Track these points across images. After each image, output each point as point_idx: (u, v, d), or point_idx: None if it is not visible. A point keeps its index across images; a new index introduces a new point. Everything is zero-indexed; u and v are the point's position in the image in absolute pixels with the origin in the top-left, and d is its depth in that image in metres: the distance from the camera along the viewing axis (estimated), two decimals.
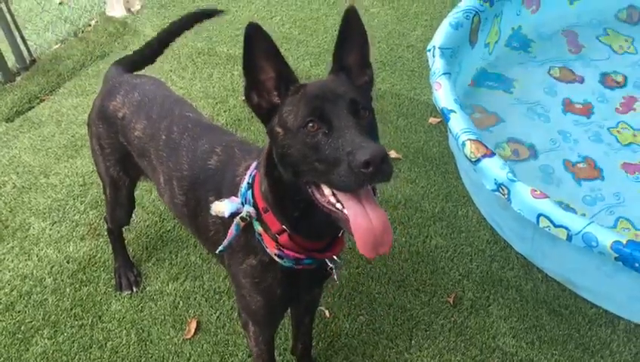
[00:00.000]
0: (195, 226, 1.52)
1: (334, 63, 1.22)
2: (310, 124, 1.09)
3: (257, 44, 1.12)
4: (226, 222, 1.30)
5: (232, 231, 1.28)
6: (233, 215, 1.26)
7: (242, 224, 1.27)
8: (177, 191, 1.52)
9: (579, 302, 2.02)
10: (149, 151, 1.61)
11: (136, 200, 2.03)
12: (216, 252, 1.33)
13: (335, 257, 1.31)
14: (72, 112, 2.87)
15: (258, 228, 1.28)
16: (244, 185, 1.29)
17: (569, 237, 1.74)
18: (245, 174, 1.31)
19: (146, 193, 2.42)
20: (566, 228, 1.74)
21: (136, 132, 1.64)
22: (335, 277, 1.36)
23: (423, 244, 2.24)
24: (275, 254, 1.28)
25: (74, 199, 2.44)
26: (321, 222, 1.21)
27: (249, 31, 1.11)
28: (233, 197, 1.29)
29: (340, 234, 1.32)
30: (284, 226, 1.24)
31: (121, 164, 1.78)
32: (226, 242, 1.29)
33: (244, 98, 1.16)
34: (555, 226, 1.77)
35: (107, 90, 1.79)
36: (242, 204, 1.27)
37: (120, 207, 1.94)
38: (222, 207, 1.27)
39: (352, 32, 1.21)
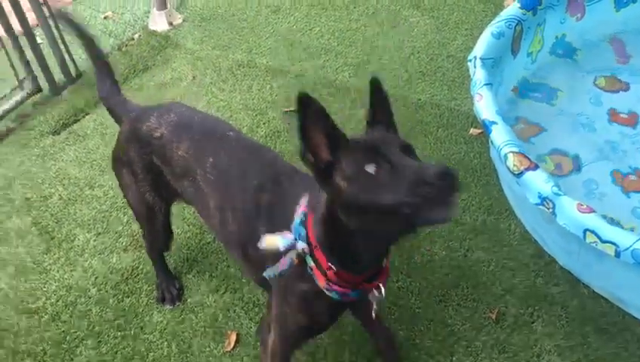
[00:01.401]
0: (242, 252, 1.58)
1: (369, 121, 1.35)
2: (373, 166, 1.17)
3: (309, 114, 1.22)
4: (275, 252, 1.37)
5: (284, 263, 1.35)
6: (286, 249, 1.35)
7: (296, 261, 1.35)
8: (231, 221, 1.58)
9: (627, 319, 1.95)
10: (194, 171, 1.65)
11: (175, 214, 2.06)
12: (264, 275, 1.39)
13: (382, 286, 1.38)
14: (116, 125, 2.92)
15: (310, 263, 1.35)
16: (296, 220, 1.37)
17: (617, 254, 1.68)
18: (296, 210, 1.39)
19: (186, 205, 2.45)
20: (614, 244, 1.69)
21: (180, 151, 1.67)
22: (373, 312, 1.46)
23: (464, 258, 2.20)
24: (325, 288, 1.36)
25: (117, 210, 2.49)
26: (370, 258, 1.33)
27: (302, 102, 1.20)
28: (286, 232, 1.36)
29: (384, 264, 1.39)
30: (330, 264, 1.32)
31: (155, 187, 1.82)
32: (274, 272, 1.36)
33: (302, 159, 1.26)
34: (603, 242, 1.71)
35: (135, 116, 1.84)
36: (295, 239, 1.34)
37: (158, 235, 1.99)
38: (275, 242, 1.34)
39: (378, 100, 1.35)
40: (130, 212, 2.45)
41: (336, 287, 1.34)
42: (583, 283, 2.06)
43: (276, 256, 1.36)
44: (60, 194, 2.58)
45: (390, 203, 1.13)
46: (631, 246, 1.66)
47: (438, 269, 2.17)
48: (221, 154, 1.63)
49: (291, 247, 1.34)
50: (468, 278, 2.13)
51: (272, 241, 1.34)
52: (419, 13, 3.53)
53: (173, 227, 2.08)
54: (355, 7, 3.63)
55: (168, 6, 3.60)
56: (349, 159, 1.21)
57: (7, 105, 3.00)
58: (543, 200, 1.86)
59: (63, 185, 2.63)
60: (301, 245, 1.33)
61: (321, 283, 1.35)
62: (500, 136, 2.06)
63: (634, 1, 2.87)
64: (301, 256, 1.34)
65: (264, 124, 2.86)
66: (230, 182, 1.60)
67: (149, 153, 1.75)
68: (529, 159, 1.96)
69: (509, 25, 2.52)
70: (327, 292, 1.36)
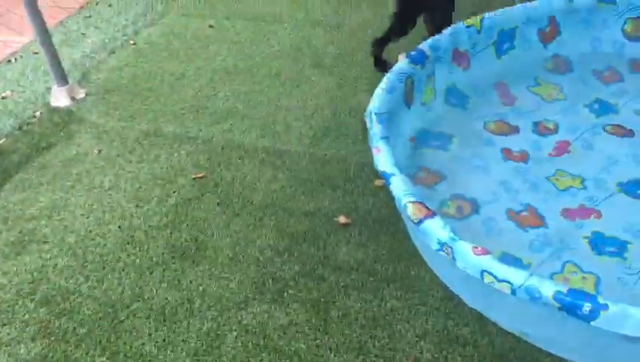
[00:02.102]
0: None
1: None
2: None
3: None
4: None
5: None
6: None
7: None
8: None
9: (534, 351, 2.04)
10: None
11: None
12: None
13: None
14: (19, 207, 2.84)
15: None
16: None
17: (513, 291, 1.78)
18: None
19: None
20: (509, 283, 1.78)
21: None
22: None
23: (378, 308, 2.25)
24: None
25: (23, 298, 2.39)
26: None
27: None
28: None
29: None
30: None
31: None
32: None
33: None
34: (499, 281, 1.80)
35: None
36: None
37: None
38: None
39: None
40: (38, 297, 2.38)
41: None
42: (492, 322, 2.14)
43: None
44: None
45: None
46: (524, 283, 1.76)
47: (355, 322, 2.20)
48: None
49: None
50: (384, 328, 2.17)
51: None
52: (320, 71, 3.66)
53: None
54: (257, 70, 3.73)
55: (70, 81, 3.57)
56: None
57: None
58: (442, 245, 1.94)
59: None
60: None
61: None
62: (398, 186, 2.15)
63: (513, 47, 3.10)
64: None
65: (174, 192, 2.85)
66: None
67: None
68: (427, 207, 2.05)
69: (400, 79, 2.66)
70: None
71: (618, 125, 2.70)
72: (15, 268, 2.51)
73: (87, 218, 2.75)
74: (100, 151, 3.16)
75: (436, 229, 1.97)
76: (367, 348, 2.11)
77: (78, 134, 3.31)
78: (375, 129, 2.42)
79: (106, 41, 4.17)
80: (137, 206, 2.79)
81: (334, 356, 2.09)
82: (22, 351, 2.18)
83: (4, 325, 2.29)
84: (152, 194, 2.85)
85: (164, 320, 2.25)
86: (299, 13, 4.24)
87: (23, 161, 3.13)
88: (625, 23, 3.00)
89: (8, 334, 2.25)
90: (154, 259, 2.51)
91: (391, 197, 2.70)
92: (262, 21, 4.22)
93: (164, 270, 2.46)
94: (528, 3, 3.02)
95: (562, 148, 2.69)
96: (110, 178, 2.98)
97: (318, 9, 4.27)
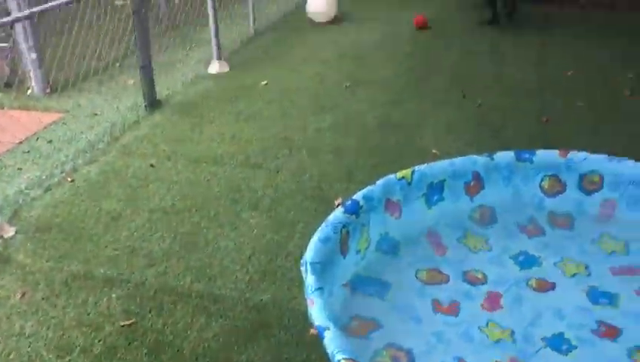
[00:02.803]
0: None
1: None
2: None
3: None
4: None
5: None
6: None
7: None
8: None
9: None
10: None
11: None
12: None
13: None
14: None
15: None
16: None
17: None
18: None
19: None
20: None
21: None
22: None
23: None
24: None
25: None
26: None
27: None
28: None
29: None
30: None
31: None
32: None
33: None
34: None
35: None
36: None
37: None
38: None
39: None
40: None
41: None
42: None
43: None
44: None
45: None
46: None
47: None
48: None
49: None
50: None
51: None
52: (257, 213, 3.72)
53: None
54: (196, 211, 3.75)
55: (0, 220, 3.48)
56: None
57: None
58: None
59: None
60: None
61: None
62: (332, 342, 2.13)
63: (442, 199, 3.27)
64: None
65: (99, 341, 2.72)
66: None
67: None
68: None
69: (335, 229, 2.73)
70: None
71: (542, 279, 2.82)
72: None
73: None
74: (23, 295, 3.02)
75: None
76: None
77: (2, 275, 3.17)
78: (309, 280, 2.43)
79: (43, 177, 4.13)
80: (58, 356, 2.64)
81: None
82: None
83: None
84: (75, 343, 2.71)
85: None
86: (239, 156, 4.37)
87: None
88: (542, 180, 3.23)
89: None
90: None
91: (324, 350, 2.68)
92: (203, 162, 4.31)
93: None
94: (455, 159, 3.23)
95: (493, 300, 2.77)
96: (32, 324, 2.83)
97: (258, 153, 4.42)
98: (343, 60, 6.22)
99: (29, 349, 2.69)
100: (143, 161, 4.35)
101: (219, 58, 6.05)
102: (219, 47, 6.03)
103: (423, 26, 7.04)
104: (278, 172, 4.17)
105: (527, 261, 2.93)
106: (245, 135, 4.69)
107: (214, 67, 6.05)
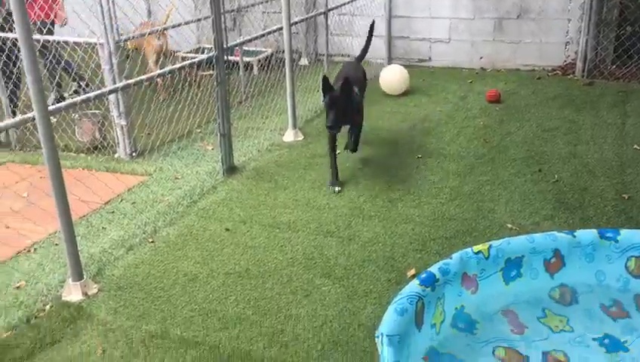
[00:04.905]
0: None
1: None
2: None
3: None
4: None
5: None
6: None
7: None
8: None
9: None
10: None
11: None
12: None
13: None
14: None
15: None
16: None
17: None
18: None
19: None
20: None
21: None
22: None
23: None
24: None
25: None
26: None
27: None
28: None
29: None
30: None
31: None
32: None
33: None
34: None
35: None
36: None
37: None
38: None
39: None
40: None
41: None
42: None
43: None
44: None
45: None
46: None
47: None
48: None
49: None
50: None
51: None
52: (330, 282, 3.74)
53: None
54: (270, 276, 3.81)
55: (85, 276, 3.64)
56: None
57: None
58: None
59: None
60: None
61: None
62: None
63: (520, 275, 3.20)
64: None
65: None
66: None
67: None
68: None
69: (411, 301, 2.71)
70: None
71: None
72: None
73: None
74: (104, 351, 3.13)
75: None
76: None
77: (85, 331, 3.29)
78: (386, 352, 2.42)
79: (126, 237, 4.32)
80: None
81: None
82: None
83: None
84: None
85: None
86: (312, 224, 4.44)
87: (24, 357, 3.09)
88: (627, 260, 3.12)
89: None
90: None
91: None
92: (276, 228, 4.40)
93: None
94: (534, 235, 3.18)
95: None
96: None
97: (331, 221, 4.47)
98: (414, 131, 6.30)
99: None
100: (219, 224, 4.48)
101: (294, 127, 6.25)
102: (295, 117, 6.23)
103: (495, 100, 7.06)
104: (350, 240, 4.20)
105: (613, 344, 2.80)
106: (318, 202, 4.77)
107: (289, 135, 6.24)
